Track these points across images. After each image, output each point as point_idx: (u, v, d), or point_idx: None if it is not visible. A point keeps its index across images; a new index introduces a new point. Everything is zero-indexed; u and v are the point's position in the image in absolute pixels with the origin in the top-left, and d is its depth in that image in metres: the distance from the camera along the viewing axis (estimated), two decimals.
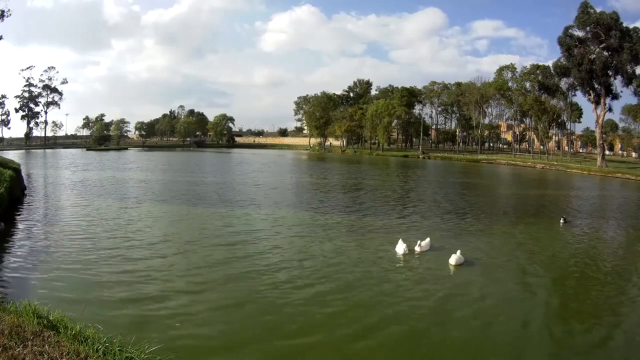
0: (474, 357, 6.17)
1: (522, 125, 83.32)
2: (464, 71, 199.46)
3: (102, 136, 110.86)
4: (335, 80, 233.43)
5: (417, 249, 10.92)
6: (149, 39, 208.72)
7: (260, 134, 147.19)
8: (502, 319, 7.42)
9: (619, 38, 52.09)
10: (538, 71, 72.35)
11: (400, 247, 10.89)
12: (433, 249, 11.29)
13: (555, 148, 77.74)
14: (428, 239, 11.43)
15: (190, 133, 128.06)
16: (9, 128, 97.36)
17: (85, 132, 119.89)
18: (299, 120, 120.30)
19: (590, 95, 57.85)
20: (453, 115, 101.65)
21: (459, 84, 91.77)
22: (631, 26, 54.80)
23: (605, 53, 54.25)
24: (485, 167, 57.40)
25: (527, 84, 75.70)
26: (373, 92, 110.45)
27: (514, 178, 42.49)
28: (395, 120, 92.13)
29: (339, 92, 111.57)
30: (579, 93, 63.52)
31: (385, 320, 7.16)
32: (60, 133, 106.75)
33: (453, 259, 10.09)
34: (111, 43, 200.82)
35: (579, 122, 79.79)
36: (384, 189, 27.69)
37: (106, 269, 9.26)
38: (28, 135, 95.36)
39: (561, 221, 16.00)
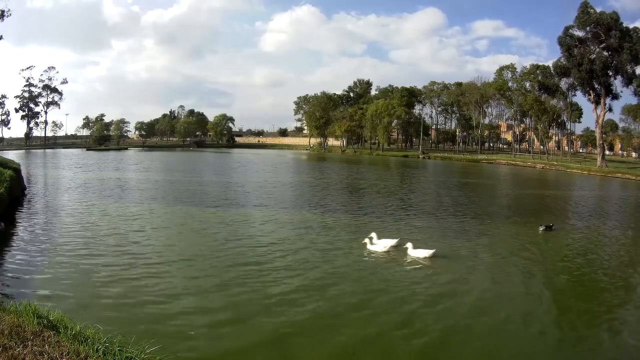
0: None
1: (522, 125, 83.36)
2: (464, 71, 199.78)
3: (102, 136, 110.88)
4: (335, 80, 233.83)
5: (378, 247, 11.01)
6: (148, 39, 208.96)
7: (260, 134, 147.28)
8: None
9: (619, 38, 52.11)
10: (538, 71, 72.42)
11: (380, 245, 11.11)
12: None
13: (555, 148, 77.79)
14: (374, 235, 11.41)
15: (190, 133, 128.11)
16: (9, 128, 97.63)
17: (85, 132, 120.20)
18: (299, 120, 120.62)
19: (590, 95, 57.90)
20: (453, 115, 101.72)
21: (459, 84, 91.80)
22: (631, 26, 54.98)
23: (605, 53, 54.28)
24: (485, 167, 57.42)
25: (527, 84, 75.74)
26: (373, 92, 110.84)
27: (513, 178, 42.51)
28: (395, 120, 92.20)
29: (339, 92, 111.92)
30: (579, 93, 63.83)
31: None
32: (60, 133, 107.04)
33: (417, 252, 10.48)
34: (111, 43, 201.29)
35: (579, 122, 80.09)
36: (392, 191, 27.65)
37: (107, 269, 9.26)
38: (28, 135, 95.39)
39: (540, 229, 14.31)
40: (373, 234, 11.44)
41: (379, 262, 10.42)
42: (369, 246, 11.13)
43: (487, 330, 7.00)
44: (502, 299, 8.48)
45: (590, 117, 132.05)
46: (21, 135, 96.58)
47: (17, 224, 13.67)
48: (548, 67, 68.10)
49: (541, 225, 14.47)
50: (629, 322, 7.62)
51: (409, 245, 10.65)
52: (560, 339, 6.87)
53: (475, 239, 13.24)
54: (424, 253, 10.44)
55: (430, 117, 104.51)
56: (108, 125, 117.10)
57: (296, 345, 6.33)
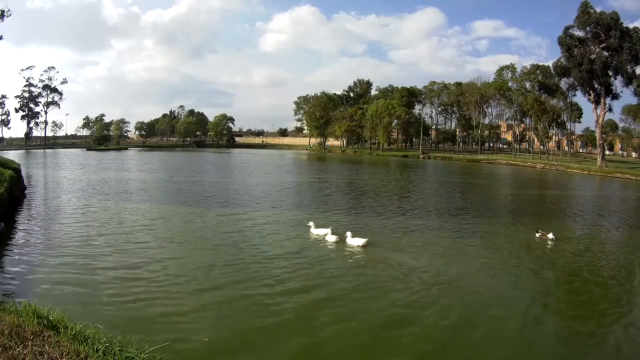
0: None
1: (522, 125, 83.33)
2: (464, 71, 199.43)
3: (102, 136, 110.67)
4: (335, 80, 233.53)
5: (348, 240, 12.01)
6: (148, 39, 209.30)
7: (260, 134, 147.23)
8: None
9: (619, 38, 52.12)
10: (538, 71, 72.46)
11: (318, 231, 12.67)
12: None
13: (555, 148, 77.76)
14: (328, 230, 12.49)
15: (190, 133, 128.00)
16: (9, 128, 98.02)
17: (85, 132, 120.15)
18: (299, 120, 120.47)
19: (590, 95, 57.91)
20: (453, 115, 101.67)
21: (458, 84, 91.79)
22: (631, 26, 54.99)
23: (605, 53, 54.31)
24: (485, 167, 57.42)
25: (527, 84, 75.73)
26: (373, 92, 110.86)
27: (513, 178, 42.51)
28: (395, 120, 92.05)
29: (339, 92, 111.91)
30: (579, 93, 63.75)
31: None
32: (60, 133, 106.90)
33: (353, 240, 11.77)
34: (111, 43, 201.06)
35: (579, 122, 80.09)
36: (396, 192, 27.59)
37: (107, 269, 9.27)
38: (28, 135, 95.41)
39: (537, 235, 13.50)
40: (311, 223, 13.13)
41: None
42: (325, 236, 12.44)
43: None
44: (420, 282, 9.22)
45: (590, 117, 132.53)
46: (21, 135, 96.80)
47: (17, 224, 13.66)
48: (548, 67, 68.24)
49: (537, 231, 13.66)
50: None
51: (348, 234, 12.05)
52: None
53: (441, 236, 13.66)
54: (358, 241, 11.73)
55: (430, 117, 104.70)
56: (108, 125, 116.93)
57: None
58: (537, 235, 13.52)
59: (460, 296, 8.41)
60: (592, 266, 10.85)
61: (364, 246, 11.58)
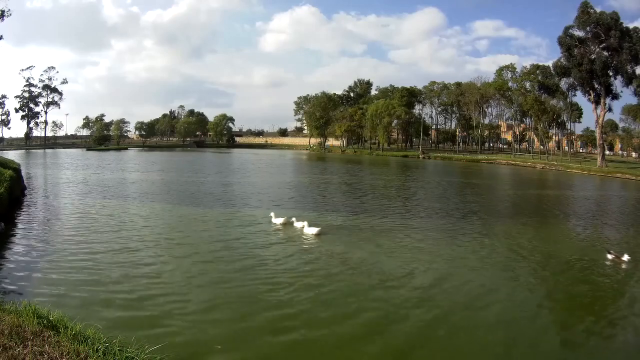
0: None
1: (522, 125, 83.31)
2: (464, 71, 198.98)
3: (102, 136, 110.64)
4: (335, 80, 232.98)
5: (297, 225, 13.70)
6: (148, 40, 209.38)
7: (260, 133, 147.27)
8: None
9: (619, 38, 52.11)
10: (538, 71, 72.41)
11: (277, 220, 14.25)
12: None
13: (555, 148, 77.73)
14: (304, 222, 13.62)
15: (191, 133, 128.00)
16: (9, 128, 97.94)
17: (85, 132, 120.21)
18: (299, 120, 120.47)
19: (590, 95, 57.89)
20: (453, 115, 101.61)
21: (458, 84, 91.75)
22: (631, 26, 54.97)
23: (605, 53, 54.29)
24: (485, 167, 57.40)
25: (527, 84, 75.71)
26: (373, 92, 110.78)
27: (512, 178, 42.47)
28: (395, 120, 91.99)
29: (339, 92, 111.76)
30: (579, 93, 63.71)
31: None
32: (60, 133, 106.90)
33: (309, 229, 13.10)
34: (111, 43, 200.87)
35: (579, 122, 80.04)
36: (399, 194, 27.57)
37: (106, 269, 9.26)
38: (28, 135, 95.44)
39: (610, 257, 11.35)
40: (272, 214, 14.63)
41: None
42: (275, 221, 14.23)
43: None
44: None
45: (590, 117, 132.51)
46: (21, 135, 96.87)
47: (17, 224, 13.67)
48: (548, 67, 68.19)
49: (609, 252, 11.60)
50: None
51: (305, 223, 13.40)
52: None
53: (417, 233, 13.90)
54: (312, 230, 13.06)
55: (430, 117, 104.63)
56: (108, 125, 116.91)
57: None
58: (609, 257, 11.33)
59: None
60: None
61: (317, 234, 12.81)
